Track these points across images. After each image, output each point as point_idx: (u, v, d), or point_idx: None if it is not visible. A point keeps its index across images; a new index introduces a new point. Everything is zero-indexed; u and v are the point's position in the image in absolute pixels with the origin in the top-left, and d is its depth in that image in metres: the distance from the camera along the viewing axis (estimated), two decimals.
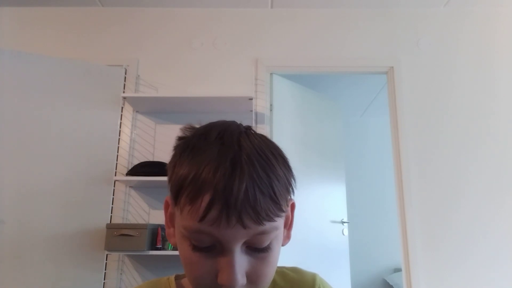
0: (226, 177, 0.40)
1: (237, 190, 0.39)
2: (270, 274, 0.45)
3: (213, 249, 0.42)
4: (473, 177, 2.45)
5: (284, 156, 0.47)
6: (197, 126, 0.49)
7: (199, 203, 0.40)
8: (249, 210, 0.40)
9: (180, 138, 0.48)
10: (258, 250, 0.43)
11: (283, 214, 0.44)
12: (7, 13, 2.71)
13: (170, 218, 0.50)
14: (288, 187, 0.45)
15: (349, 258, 2.97)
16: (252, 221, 0.40)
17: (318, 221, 2.73)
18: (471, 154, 2.49)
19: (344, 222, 2.93)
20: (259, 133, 0.49)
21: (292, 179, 0.47)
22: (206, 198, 0.40)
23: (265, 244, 0.43)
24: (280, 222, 0.44)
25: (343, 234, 2.91)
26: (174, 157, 0.46)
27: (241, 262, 0.42)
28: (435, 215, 2.40)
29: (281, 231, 0.46)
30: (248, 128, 0.49)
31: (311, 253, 2.61)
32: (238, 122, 0.49)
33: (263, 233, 0.42)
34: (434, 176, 2.46)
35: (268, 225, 0.42)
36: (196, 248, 0.43)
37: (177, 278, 0.56)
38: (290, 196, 0.47)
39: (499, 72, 2.62)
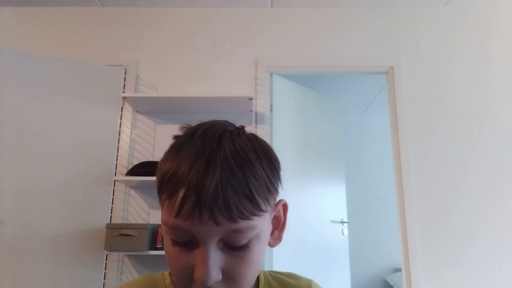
0: (200, 173, 0.41)
1: (208, 186, 0.40)
2: (249, 273, 0.45)
3: (190, 244, 0.43)
4: (472, 177, 2.45)
5: (271, 157, 0.47)
6: (194, 125, 0.50)
7: (175, 198, 0.42)
8: (220, 207, 0.40)
9: (175, 137, 0.49)
10: (235, 248, 0.43)
11: (262, 214, 0.44)
12: (7, 13, 2.71)
13: None
14: (269, 187, 0.45)
15: (349, 258, 2.97)
16: (224, 218, 0.41)
17: (318, 221, 2.73)
18: (470, 154, 2.49)
19: (344, 222, 2.93)
20: (251, 133, 0.49)
21: (276, 180, 0.46)
22: (181, 194, 0.41)
23: (242, 242, 0.43)
24: (259, 221, 0.44)
25: (343, 234, 2.92)
26: (164, 155, 0.48)
27: (216, 258, 0.42)
28: (435, 215, 2.40)
29: (263, 231, 0.46)
30: (238, 128, 0.49)
31: (311, 253, 2.61)
32: (231, 122, 0.50)
33: (238, 231, 0.42)
34: (434, 176, 2.46)
35: (243, 223, 0.42)
36: (175, 242, 0.44)
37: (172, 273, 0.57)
38: (275, 197, 0.47)
39: (498, 72, 2.62)
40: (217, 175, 0.40)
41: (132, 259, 2.31)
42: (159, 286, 0.55)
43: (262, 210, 0.44)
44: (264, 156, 0.45)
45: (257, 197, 0.42)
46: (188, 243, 0.43)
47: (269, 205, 0.46)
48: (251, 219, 0.42)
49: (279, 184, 0.47)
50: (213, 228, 0.41)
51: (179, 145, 0.45)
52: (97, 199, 2.27)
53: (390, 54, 2.66)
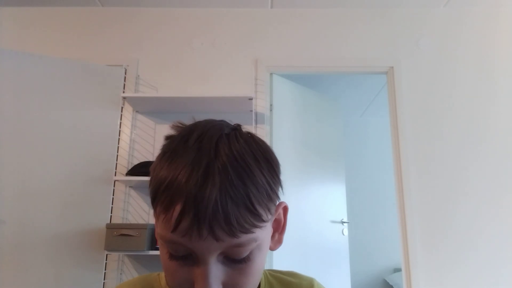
0: (197, 186, 0.38)
1: (207, 200, 0.38)
2: (250, 285, 0.44)
3: (189, 258, 0.41)
4: (473, 177, 2.45)
5: (271, 160, 0.45)
6: (187, 124, 0.47)
7: (171, 213, 0.39)
8: (221, 222, 0.38)
9: (167, 138, 0.46)
10: (235, 261, 0.42)
11: (264, 224, 0.42)
12: (7, 13, 2.71)
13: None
14: (270, 195, 0.43)
15: (349, 258, 2.97)
16: (225, 233, 0.39)
17: (318, 221, 2.73)
18: (471, 154, 2.49)
19: (344, 222, 2.93)
20: (248, 132, 0.46)
21: (277, 186, 0.44)
22: (178, 208, 0.39)
23: (243, 255, 0.41)
24: (261, 232, 0.42)
25: (343, 234, 2.91)
26: (156, 159, 0.45)
27: (216, 273, 0.41)
28: (435, 215, 2.40)
29: (264, 240, 0.44)
30: (235, 129, 0.46)
31: (311, 253, 2.61)
32: (228, 123, 0.47)
33: (239, 245, 0.40)
34: (434, 176, 2.46)
35: (244, 237, 0.40)
36: (172, 256, 0.42)
37: None
38: (275, 203, 0.45)
39: (499, 72, 2.62)
40: (216, 187, 0.38)
41: (132, 259, 2.31)
42: (155, 287, 0.54)
43: (263, 221, 0.42)
44: (263, 160, 0.43)
45: (258, 208, 0.40)
46: (186, 256, 0.41)
47: (270, 214, 0.44)
48: (252, 232, 0.41)
49: (280, 189, 0.45)
50: (213, 244, 0.39)
51: (173, 150, 0.43)
52: (97, 199, 2.27)
53: (390, 54, 2.66)
